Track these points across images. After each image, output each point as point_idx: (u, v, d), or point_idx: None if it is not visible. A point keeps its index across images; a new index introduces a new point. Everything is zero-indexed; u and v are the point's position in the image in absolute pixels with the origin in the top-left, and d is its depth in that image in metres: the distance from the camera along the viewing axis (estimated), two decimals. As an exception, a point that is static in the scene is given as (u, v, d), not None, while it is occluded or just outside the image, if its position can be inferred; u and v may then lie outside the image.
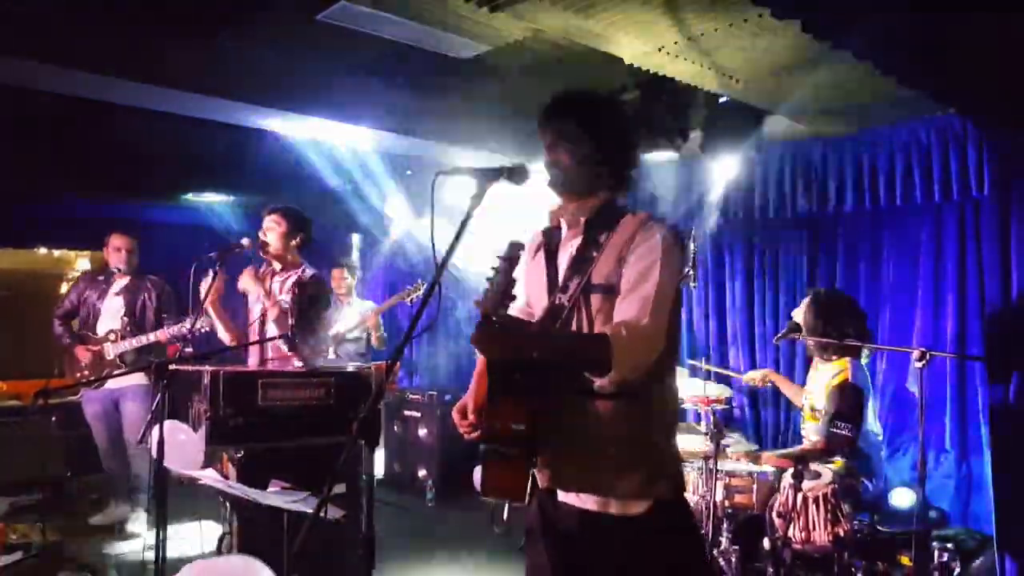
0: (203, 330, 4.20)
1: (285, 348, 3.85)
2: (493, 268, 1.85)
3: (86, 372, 4.89)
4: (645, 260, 1.89)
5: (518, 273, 2.21)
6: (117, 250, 5.04)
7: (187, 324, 3.77)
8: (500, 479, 1.93)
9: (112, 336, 4.92)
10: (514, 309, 2.22)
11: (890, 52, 2.82)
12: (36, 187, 6.37)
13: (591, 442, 1.88)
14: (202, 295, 3.80)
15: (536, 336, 1.92)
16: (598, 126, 2.02)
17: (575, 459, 1.91)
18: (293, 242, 4.01)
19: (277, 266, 4.05)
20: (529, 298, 2.16)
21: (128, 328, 4.94)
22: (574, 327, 1.94)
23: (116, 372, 4.73)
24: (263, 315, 3.97)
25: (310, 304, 3.92)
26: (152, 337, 4.79)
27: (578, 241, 2.03)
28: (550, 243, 2.12)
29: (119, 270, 5.06)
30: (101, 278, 5.13)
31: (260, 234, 3.99)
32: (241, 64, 3.78)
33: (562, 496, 1.98)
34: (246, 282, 3.99)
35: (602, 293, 1.92)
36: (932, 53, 2.93)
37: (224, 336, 4.06)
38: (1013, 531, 3.91)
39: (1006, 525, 3.95)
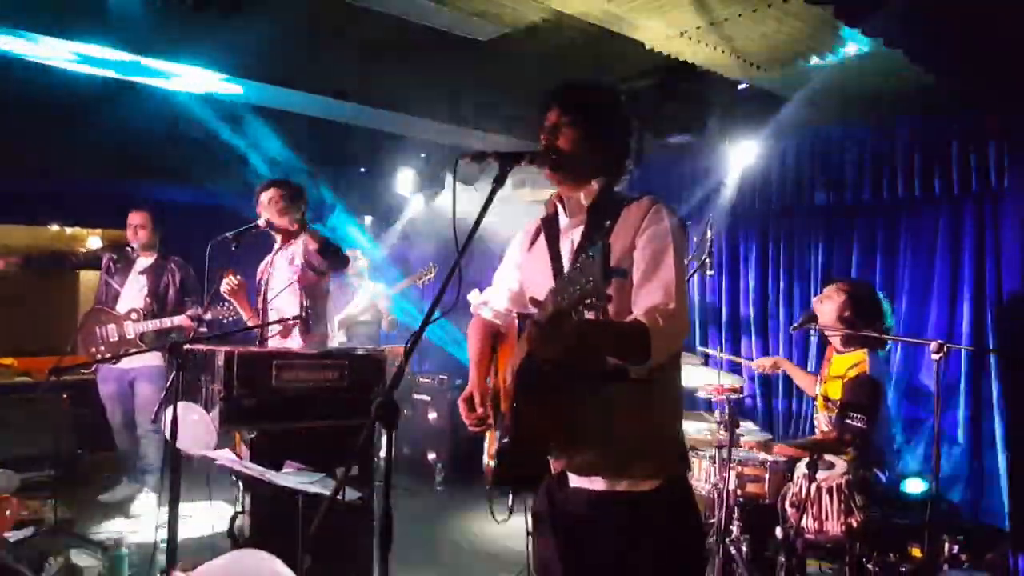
0: (229, 319, 4.20)
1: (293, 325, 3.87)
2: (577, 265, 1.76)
3: (102, 348, 4.90)
4: (657, 245, 1.88)
5: (514, 263, 2.21)
6: (132, 227, 5.03)
7: (202, 310, 3.78)
8: (519, 472, 1.94)
9: (134, 315, 4.92)
10: (507, 299, 2.24)
11: (918, 40, 2.77)
12: (49, 164, 6.36)
13: (606, 427, 1.89)
14: (222, 288, 3.82)
15: (586, 332, 1.80)
16: (600, 113, 2.04)
17: (590, 445, 1.91)
18: (296, 213, 3.99)
19: (277, 245, 4.04)
20: (529, 289, 2.09)
21: (151, 308, 4.94)
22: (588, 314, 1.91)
23: (132, 351, 4.74)
24: (264, 297, 3.97)
25: (332, 258, 3.89)
26: (176, 321, 4.80)
27: (581, 228, 2.01)
28: (550, 232, 2.10)
29: (133, 248, 5.05)
30: (116, 257, 5.12)
31: (260, 210, 3.96)
32: (262, 45, 3.75)
33: (574, 481, 1.98)
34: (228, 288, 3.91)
35: (616, 276, 1.87)
36: (961, 42, 2.88)
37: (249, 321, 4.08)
38: (1027, 525, 3.90)
39: (1021, 519, 3.93)
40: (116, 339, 4.91)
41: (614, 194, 2.03)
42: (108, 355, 4.85)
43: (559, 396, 1.85)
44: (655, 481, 1.90)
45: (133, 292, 4.99)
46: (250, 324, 4.02)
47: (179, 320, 4.80)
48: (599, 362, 1.86)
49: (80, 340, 4.96)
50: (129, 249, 5.11)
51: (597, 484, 1.94)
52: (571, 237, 2.03)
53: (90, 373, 5.18)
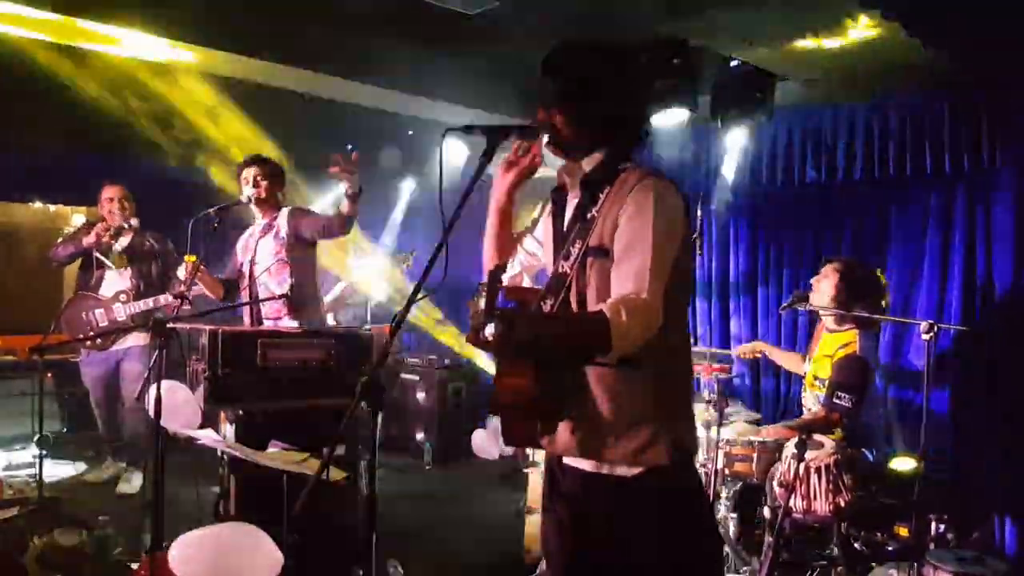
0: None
1: (284, 308, 3.84)
2: (481, 284, 1.74)
3: (89, 332, 4.80)
4: (636, 224, 1.77)
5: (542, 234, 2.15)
6: (110, 200, 4.89)
7: (184, 287, 3.70)
8: (517, 432, 1.90)
9: (123, 297, 4.85)
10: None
11: (917, 13, 2.73)
12: (31, 140, 6.25)
13: (585, 409, 1.84)
14: (183, 279, 3.74)
15: (530, 328, 1.76)
16: (592, 78, 1.89)
17: (571, 425, 1.88)
18: (275, 189, 4.04)
19: (260, 222, 4.04)
20: (547, 263, 2.08)
21: (138, 287, 4.87)
22: (575, 293, 1.87)
23: (118, 330, 4.68)
24: (252, 274, 3.93)
25: (307, 228, 3.93)
26: (168, 298, 4.71)
27: (576, 202, 1.93)
28: (557, 205, 2.04)
29: (105, 218, 4.92)
30: (96, 236, 4.99)
31: (243, 186, 3.98)
32: (245, 15, 3.67)
33: (566, 459, 1.97)
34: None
35: (599, 257, 1.82)
36: (956, 15, 2.83)
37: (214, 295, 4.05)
38: (1013, 503, 3.92)
39: (1007, 497, 3.95)
40: (106, 323, 4.83)
41: (615, 165, 1.90)
42: (93, 333, 4.77)
43: (526, 370, 1.76)
44: (634, 468, 1.83)
45: (116, 274, 4.90)
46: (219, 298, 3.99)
47: (171, 297, 4.70)
48: (558, 352, 1.78)
49: (65, 326, 4.86)
50: (105, 218, 4.98)
51: (584, 464, 1.91)
52: (571, 212, 1.96)
53: (76, 358, 5.10)
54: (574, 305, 1.88)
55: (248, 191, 3.95)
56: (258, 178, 3.98)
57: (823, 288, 3.80)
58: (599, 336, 1.67)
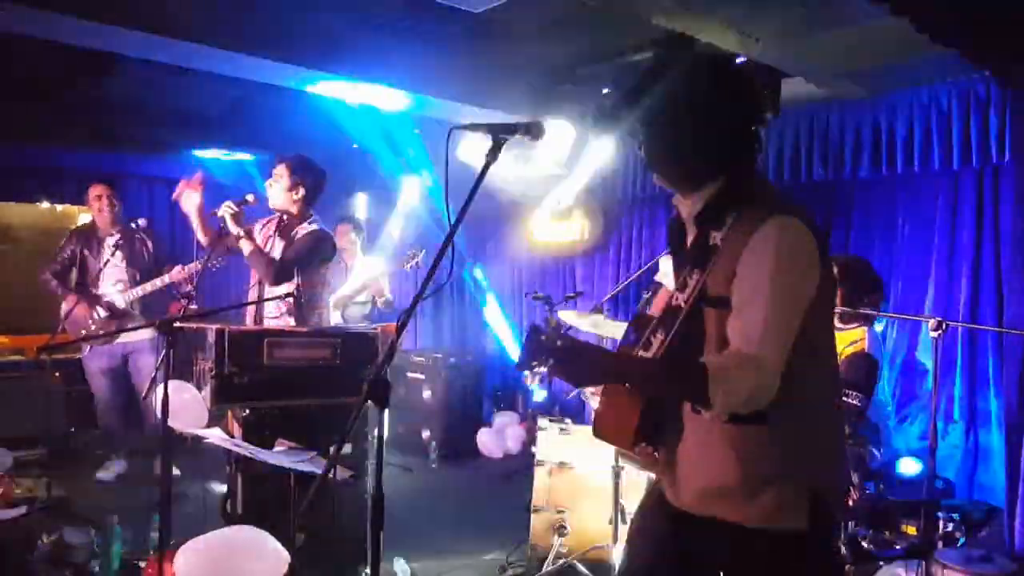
0: (217, 266, 4.10)
1: (284, 309, 3.82)
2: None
3: (93, 329, 4.83)
4: (754, 275, 1.60)
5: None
6: (97, 198, 4.95)
7: (199, 264, 3.71)
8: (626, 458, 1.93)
9: (120, 286, 4.88)
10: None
11: (925, 7, 2.71)
12: (39, 140, 6.28)
13: (711, 463, 1.72)
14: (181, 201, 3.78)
15: (614, 367, 1.71)
16: (680, 107, 1.72)
17: (694, 479, 1.77)
18: (296, 195, 3.85)
19: (285, 218, 3.94)
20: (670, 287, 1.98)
21: (135, 278, 4.91)
22: (690, 337, 1.72)
23: (128, 327, 4.69)
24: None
25: (306, 257, 3.77)
26: (167, 279, 4.72)
27: (692, 238, 1.79)
28: (676, 236, 1.89)
29: (95, 216, 4.97)
30: (84, 244, 5.02)
31: (267, 184, 3.91)
32: (249, 15, 3.68)
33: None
34: (224, 211, 3.69)
35: (716, 307, 1.67)
36: (966, 9, 2.81)
37: (200, 237, 3.91)
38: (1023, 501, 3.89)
39: (1017, 495, 3.93)
40: (107, 314, 4.85)
41: (728, 198, 1.71)
42: (101, 332, 4.80)
43: (633, 406, 1.77)
44: (755, 523, 1.68)
45: (112, 269, 4.94)
46: (204, 242, 3.92)
47: (168, 278, 4.71)
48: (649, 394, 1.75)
49: (68, 327, 4.88)
50: (93, 226, 5.02)
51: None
52: (690, 238, 1.82)
53: (79, 354, 5.12)
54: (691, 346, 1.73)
55: (269, 189, 3.85)
56: (275, 179, 3.85)
57: None
58: (696, 387, 1.57)
